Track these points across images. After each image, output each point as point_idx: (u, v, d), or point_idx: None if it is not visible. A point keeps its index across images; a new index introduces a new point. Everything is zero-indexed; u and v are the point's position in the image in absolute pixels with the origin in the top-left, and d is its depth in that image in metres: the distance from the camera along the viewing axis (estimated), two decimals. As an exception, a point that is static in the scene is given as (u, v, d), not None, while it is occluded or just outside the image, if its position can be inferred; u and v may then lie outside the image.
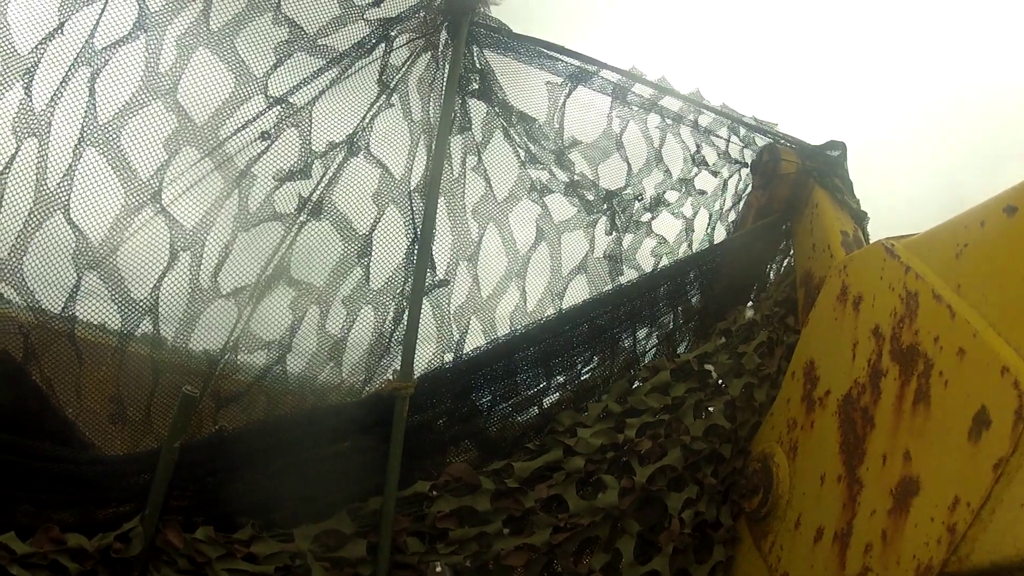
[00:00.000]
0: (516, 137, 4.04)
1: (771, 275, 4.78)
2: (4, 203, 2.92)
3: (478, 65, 3.85)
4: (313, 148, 3.50)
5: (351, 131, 3.59)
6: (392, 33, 3.59)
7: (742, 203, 4.87)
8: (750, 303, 4.63)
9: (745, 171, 4.86)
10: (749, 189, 4.81)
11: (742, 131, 4.78)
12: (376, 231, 3.67)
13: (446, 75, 3.69)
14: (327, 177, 3.53)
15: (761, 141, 4.76)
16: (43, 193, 2.94)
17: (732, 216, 4.88)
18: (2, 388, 2.94)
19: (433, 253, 3.67)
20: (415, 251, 3.64)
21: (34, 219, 2.93)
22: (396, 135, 3.68)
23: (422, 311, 3.55)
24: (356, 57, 3.54)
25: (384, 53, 3.60)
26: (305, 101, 3.46)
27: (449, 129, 3.71)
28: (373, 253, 3.66)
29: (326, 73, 3.48)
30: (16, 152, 2.94)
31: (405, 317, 3.54)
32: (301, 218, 3.47)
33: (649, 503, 3.70)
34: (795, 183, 4.50)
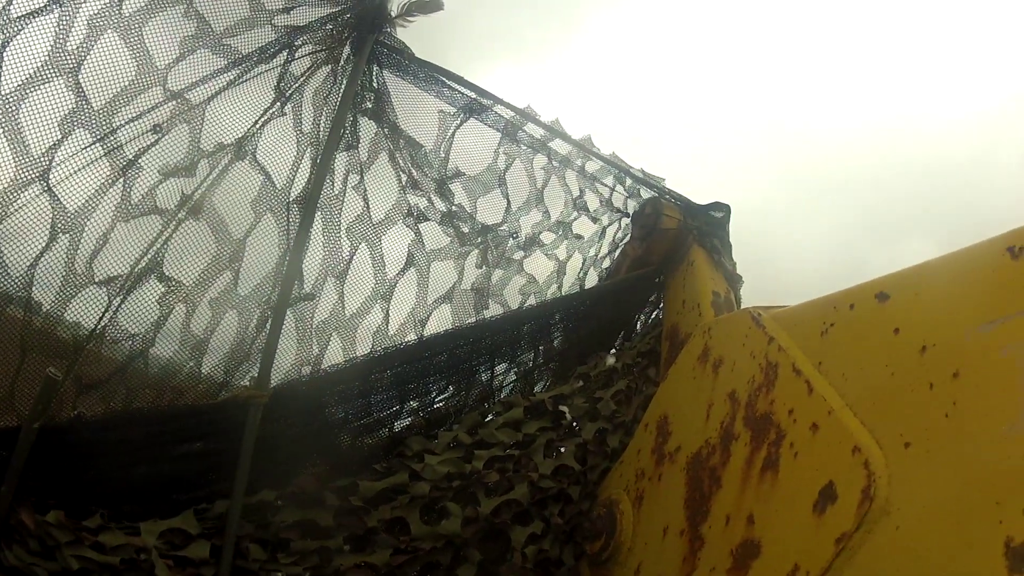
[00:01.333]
0: (401, 161, 4.60)
1: (638, 325, 5.55)
2: None
3: (375, 85, 4.42)
4: (201, 147, 3.98)
5: (241, 135, 4.09)
6: (296, 42, 4.13)
7: (618, 251, 5.60)
8: (613, 350, 5.37)
9: (625, 221, 5.58)
10: (627, 239, 5.54)
11: (628, 181, 5.48)
12: (250, 237, 4.16)
13: (342, 90, 4.26)
14: (211, 178, 4.02)
15: (646, 194, 5.49)
16: (-66, 158, 3.33)
17: (606, 263, 5.59)
18: None
19: (303, 266, 4.19)
20: (286, 262, 4.16)
21: (-80, 183, 3.31)
22: (283, 145, 4.21)
23: (285, 322, 4.05)
24: (257, 61, 4.06)
25: (285, 61, 4.14)
26: (201, 99, 3.95)
27: (336, 145, 4.27)
28: (244, 259, 4.15)
29: (226, 74, 3.99)
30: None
31: (268, 326, 4.05)
32: (180, 215, 3.94)
33: (493, 535, 4.31)
34: (674, 239, 5.25)
